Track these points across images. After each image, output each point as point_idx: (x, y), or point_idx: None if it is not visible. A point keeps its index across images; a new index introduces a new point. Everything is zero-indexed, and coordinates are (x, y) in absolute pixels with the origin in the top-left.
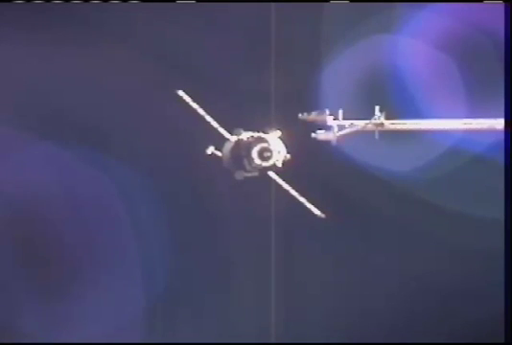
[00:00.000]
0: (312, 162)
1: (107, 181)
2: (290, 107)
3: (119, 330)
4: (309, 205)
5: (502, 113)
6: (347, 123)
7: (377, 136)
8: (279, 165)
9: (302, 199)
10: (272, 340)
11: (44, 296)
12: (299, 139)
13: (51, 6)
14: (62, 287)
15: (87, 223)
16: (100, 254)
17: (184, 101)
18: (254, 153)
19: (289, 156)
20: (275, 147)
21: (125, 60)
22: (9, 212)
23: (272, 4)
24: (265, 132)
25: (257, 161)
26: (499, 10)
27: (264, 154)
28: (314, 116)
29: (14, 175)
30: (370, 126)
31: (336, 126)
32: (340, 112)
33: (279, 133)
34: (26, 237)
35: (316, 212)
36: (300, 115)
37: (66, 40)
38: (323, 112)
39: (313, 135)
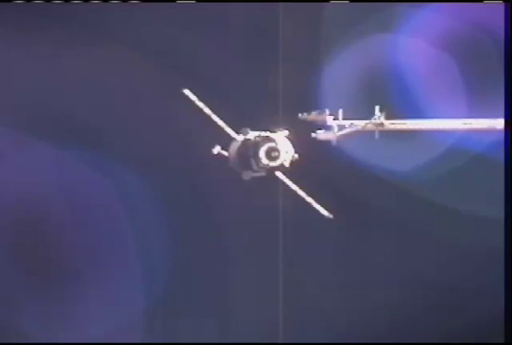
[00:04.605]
0: (319, 162)
1: (112, 182)
2: (298, 107)
3: (129, 327)
4: (316, 205)
5: (502, 113)
6: (347, 123)
7: (377, 136)
8: (287, 165)
9: (309, 199)
10: (280, 341)
11: (44, 296)
12: (307, 139)
13: (51, 6)
14: (63, 288)
15: (91, 224)
16: (106, 256)
17: (190, 100)
18: (261, 153)
19: (296, 156)
20: (283, 146)
21: (128, 60)
22: (9, 212)
23: (280, 4)
24: (272, 132)
25: (264, 161)
26: (499, 10)
27: (271, 154)
28: (313, 116)
29: (15, 176)
30: (370, 126)
31: (336, 126)
32: (340, 112)
33: (286, 133)
34: (26, 237)
35: (324, 212)
36: (300, 115)
37: (67, 41)
38: (323, 112)
39: (313, 135)
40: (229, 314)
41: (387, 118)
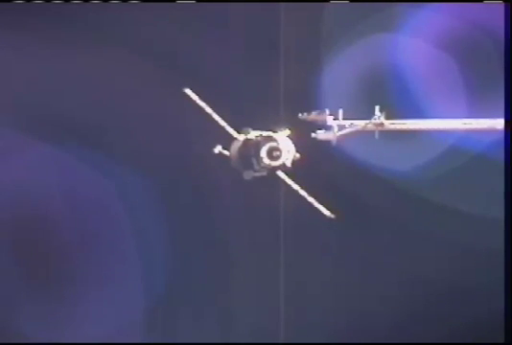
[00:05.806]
0: (320, 162)
1: (112, 182)
2: (299, 107)
3: (129, 327)
4: (318, 205)
5: (502, 113)
6: (347, 123)
7: (377, 136)
8: (288, 164)
9: (311, 199)
10: (280, 341)
11: (44, 296)
12: (308, 138)
13: (51, 6)
14: (63, 288)
15: (91, 224)
16: (106, 256)
17: (191, 99)
18: (263, 153)
19: (298, 155)
20: (284, 146)
21: (128, 60)
22: (9, 212)
23: (282, 4)
24: (273, 131)
25: (266, 160)
26: (499, 10)
27: (273, 154)
28: (314, 116)
29: (15, 176)
30: (370, 126)
31: (336, 126)
32: (340, 112)
33: (288, 132)
34: (26, 237)
35: (326, 212)
36: (300, 115)
37: (67, 41)
38: (323, 112)
39: (313, 135)
40: (230, 314)
41: (387, 118)
